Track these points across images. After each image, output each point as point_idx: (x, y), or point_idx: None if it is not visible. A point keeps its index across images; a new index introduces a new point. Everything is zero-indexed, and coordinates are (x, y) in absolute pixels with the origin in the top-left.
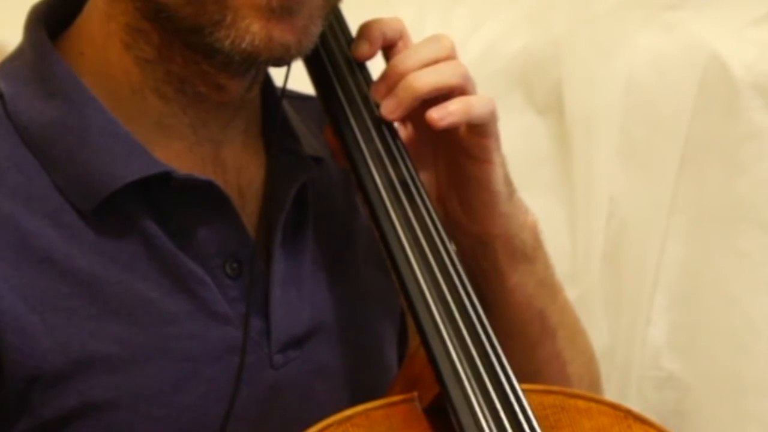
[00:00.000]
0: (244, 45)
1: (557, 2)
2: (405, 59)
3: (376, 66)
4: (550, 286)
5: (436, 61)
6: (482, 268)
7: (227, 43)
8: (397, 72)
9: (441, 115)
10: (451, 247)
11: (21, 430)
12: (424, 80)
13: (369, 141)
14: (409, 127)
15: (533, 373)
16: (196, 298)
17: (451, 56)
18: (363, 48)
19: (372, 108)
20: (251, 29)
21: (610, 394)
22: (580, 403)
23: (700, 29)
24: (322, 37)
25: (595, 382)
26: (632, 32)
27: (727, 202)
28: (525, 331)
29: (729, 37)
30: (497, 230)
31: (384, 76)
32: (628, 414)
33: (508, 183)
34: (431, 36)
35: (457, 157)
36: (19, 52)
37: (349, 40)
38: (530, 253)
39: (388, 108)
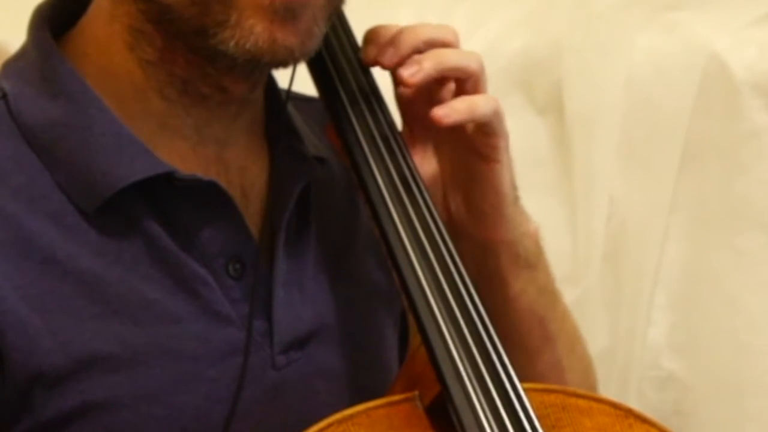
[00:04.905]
0: (248, 46)
1: (557, 2)
2: (419, 31)
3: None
4: (550, 293)
5: (446, 43)
6: (484, 276)
7: (231, 44)
8: (413, 39)
9: (445, 112)
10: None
11: (22, 429)
12: (450, 56)
13: (370, 140)
14: (412, 125)
15: (533, 381)
16: (199, 298)
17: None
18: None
19: (373, 107)
20: (255, 30)
21: (610, 394)
22: (581, 402)
23: (700, 29)
24: (325, 36)
25: (591, 389)
26: (632, 32)
27: (727, 202)
28: (526, 339)
29: (729, 37)
30: (501, 235)
31: (394, 41)
32: (629, 413)
33: (514, 187)
34: (439, 24)
35: (464, 156)
36: (22, 52)
37: (352, 40)
38: (532, 260)
39: (409, 72)
